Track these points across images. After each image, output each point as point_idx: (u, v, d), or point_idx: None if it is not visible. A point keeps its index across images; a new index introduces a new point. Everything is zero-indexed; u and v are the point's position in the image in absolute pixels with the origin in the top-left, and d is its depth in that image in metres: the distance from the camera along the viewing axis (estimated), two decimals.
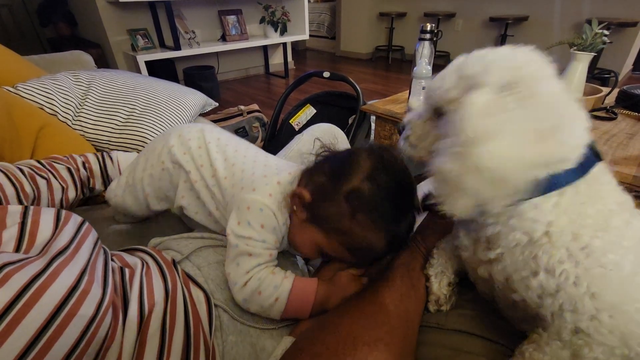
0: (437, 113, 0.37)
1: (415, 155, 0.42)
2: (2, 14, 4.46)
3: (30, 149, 0.72)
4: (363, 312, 0.39)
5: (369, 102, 1.39)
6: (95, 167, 0.63)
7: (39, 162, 0.56)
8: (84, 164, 0.62)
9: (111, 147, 0.95)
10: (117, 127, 0.95)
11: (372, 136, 1.64)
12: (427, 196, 0.49)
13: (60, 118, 0.90)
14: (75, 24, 3.46)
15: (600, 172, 0.32)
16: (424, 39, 1.19)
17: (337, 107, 1.60)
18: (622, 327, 0.29)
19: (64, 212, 0.40)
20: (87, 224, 0.42)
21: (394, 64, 4.41)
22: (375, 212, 0.44)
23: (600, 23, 1.13)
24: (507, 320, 0.40)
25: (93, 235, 0.41)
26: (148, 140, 0.95)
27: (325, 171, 0.49)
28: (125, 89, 1.04)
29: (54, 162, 0.59)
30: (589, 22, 1.13)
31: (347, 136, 1.11)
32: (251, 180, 0.52)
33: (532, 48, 0.33)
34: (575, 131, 0.30)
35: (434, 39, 1.21)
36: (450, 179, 0.29)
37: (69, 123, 0.91)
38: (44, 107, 0.88)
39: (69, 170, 0.59)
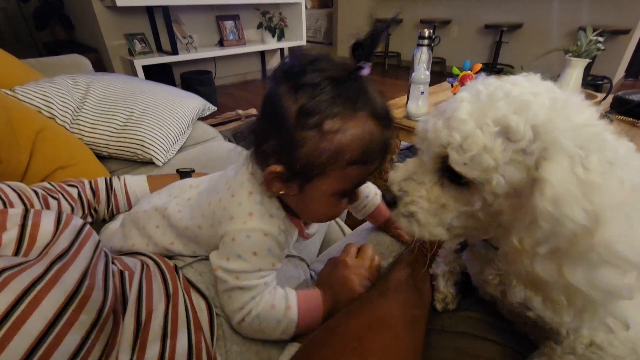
0: (453, 174, 0.28)
1: (428, 236, 0.32)
2: None
3: (28, 153, 0.71)
4: (369, 316, 0.39)
5: None
6: (102, 192, 0.62)
7: (50, 184, 0.56)
8: (91, 187, 0.61)
9: (109, 150, 0.94)
10: (115, 131, 0.95)
11: None
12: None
13: (58, 121, 0.89)
14: (72, 27, 3.45)
15: None
16: (422, 45, 1.21)
17: None
18: (634, 337, 0.29)
19: (64, 215, 0.40)
20: (87, 227, 0.41)
21: (390, 70, 4.45)
22: (334, 107, 0.36)
23: (594, 30, 1.15)
24: (510, 322, 0.40)
25: (94, 239, 0.40)
26: (146, 143, 0.94)
27: (263, 132, 0.41)
28: (123, 93, 1.03)
29: (65, 184, 0.59)
30: (584, 29, 1.15)
31: None
32: (223, 208, 0.45)
33: (550, 83, 0.27)
34: None
35: (432, 44, 1.23)
36: (566, 284, 0.23)
37: (67, 126, 0.91)
38: (42, 111, 0.87)
39: (78, 192, 0.59)
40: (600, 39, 1.13)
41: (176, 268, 0.47)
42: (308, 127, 0.36)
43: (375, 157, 0.40)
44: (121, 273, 0.41)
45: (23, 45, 4.10)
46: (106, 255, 0.42)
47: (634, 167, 0.23)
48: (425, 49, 1.21)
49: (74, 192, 0.57)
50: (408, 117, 1.26)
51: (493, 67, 3.62)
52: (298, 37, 3.67)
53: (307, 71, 0.37)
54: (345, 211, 0.63)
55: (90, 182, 0.61)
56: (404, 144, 1.66)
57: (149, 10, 2.73)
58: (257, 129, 0.42)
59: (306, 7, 3.70)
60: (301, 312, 0.44)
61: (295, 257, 0.59)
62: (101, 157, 0.95)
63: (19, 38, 4.57)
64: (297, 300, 0.45)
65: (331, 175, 0.39)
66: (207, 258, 0.51)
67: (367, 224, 0.67)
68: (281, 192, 0.42)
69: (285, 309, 0.44)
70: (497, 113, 0.25)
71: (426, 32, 1.21)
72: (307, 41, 4.80)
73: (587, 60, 1.15)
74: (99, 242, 0.42)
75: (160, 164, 0.95)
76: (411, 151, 1.68)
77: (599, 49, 1.15)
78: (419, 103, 1.20)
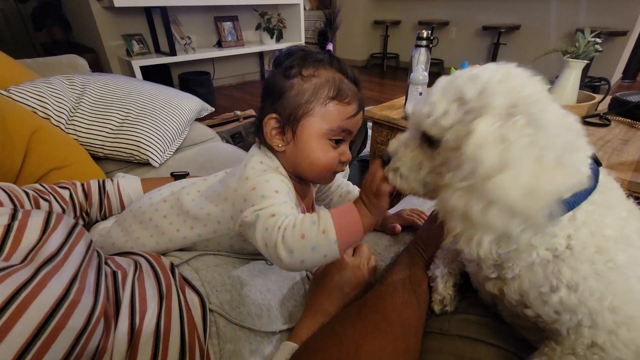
0: (429, 140, 0.35)
1: (407, 188, 0.39)
2: None
3: (22, 153, 0.70)
4: (365, 320, 0.38)
5: (366, 108, 1.39)
6: (95, 194, 0.62)
7: (42, 185, 0.55)
8: (83, 189, 0.61)
9: (105, 151, 0.93)
10: (112, 131, 0.94)
11: (369, 142, 1.65)
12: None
13: (53, 122, 0.88)
14: (70, 28, 3.44)
15: (607, 180, 0.32)
16: (420, 46, 1.20)
17: None
18: (638, 340, 0.29)
19: (55, 215, 0.39)
20: (79, 227, 0.40)
21: (388, 71, 4.46)
22: (310, 62, 0.48)
23: (592, 32, 1.15)
24: (510, 325, 0.40)
25: (85, 239, 0.39)
26: (142, 144, 0.93)
27: (262, 105, 0.51)
28: (120, 93, 1.03)
29: (58, 185, 0.58)
30: (581, 31, 1.15)
31: None
32: (238, 177, 0.49)
33: (517, 65, 0.33)
34: (584, 152, 0.30)
35: (430, 46, 1.23)
36: (466, 215, 0.28)
37: (62, 127, 0.90)
38: (37, 111, 0.86)
39: (70, 194, 0.58)
40: (598, 40, 1.13)
41: (172, 266, 0.46)
42: (291, 76, 0.48)
43: (349, 97, 0.48)
44: (114, 274, 0.40)
45: (20, 45, 4.08)
46: (99, 255, 0.41)
47: (554, 130, 0.28)
48: (423, 50, 1.20)
49: (65, 194, 0.57)
50: (406, 118, 1.25)
51: None
52: (297, 38, 3.67)
53: (289, 53, 0.49)
54: None
55: (82, 185, 0.61)
56: None
57: (147, 11, 2.73)
58: (259, 110, 0.51)
59: (305, 9, 3.70)
60: (334, 212, 0.42)
61: None
62: (97, 158, 0.94)
63: (16, 38, 4.55)
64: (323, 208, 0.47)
65: (315, 112, 0.47)
66: (203, 254, 0.51)
67: None
68: (281, 146, 0.49)
69: (316, 212, 0.43)
70: (456, 85, 0.32)
71: (424, 34, 1.21)
72: (306, 42, 4.80)
73: (585, 62, 1.15)
74: (91, 242, 0.41)
75: (157, 164, 0.95)
76: None
77: (596, 51, 1.15)
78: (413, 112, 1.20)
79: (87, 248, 0.39)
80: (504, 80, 0.30)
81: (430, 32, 1.24)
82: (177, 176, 0.70)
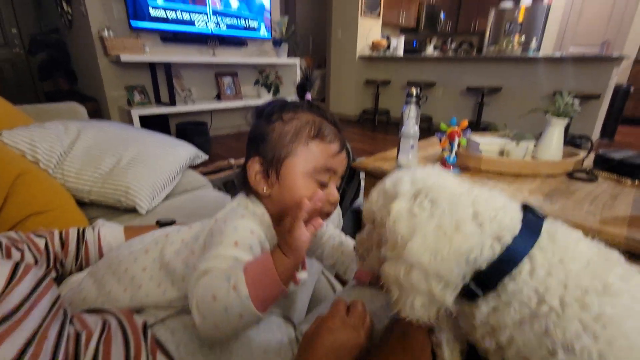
0: (374, 225, 0.42)
1: (367, 266, 0.46)
2: (4, 69, 4.63)
3: (3, 197, 0.67)
4: None
5: (358, 160, 1.42)
6: (72, 243, 0.57)
7: (17, 233, 0.52)
8: (61, 237, 0.57)
9: (91, 197, 0.91)
10: (101, 176, 0.92)
11: (362, 193, 1.65)
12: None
13: (41, 166, 0.86)
14: (75, 80, 3.59)
15: (555, 227, 0.35)
16: (410, 102, 1.26)
17: None
18: None
19: (23, 265, 0.36)
20: (48, 280, 0.36)
21: (380, 126, 4.65)
22: (289, 108, 0.51)
23: (569, 94, 1.22)
24: None
25: (52, 294, 0.35)
26: (131, 190, 0.91)
27: (247, 152, 0.52)
28: (115, 139, 1.03)
29: (35, 234, 0.54)
30: (559, 93, 1.23)
31: None
32: (218, 220, 0.48)
33: (431, 166, 0.42)
34: (488, 213, 0.34)
35: (419, 102, 1.29)
36: (396, 281, 0.33)
37: (50, 171, 0.88)
38: (26, 154, 0.85)
39: (46, 243, 0.54)
40: (577, 99, 1.21)
41: (145, 326, 0.41)
42: (272, 121, 0.50)
43: (331, 136, 0.50)
44: (77, 336, 0.36)
45: (24, 92, 4.21)
46: (65, 314, 0.37)
47: (449, 205, 0.34)
48: (413, 105, 1.26)
49: (41, 243, 0.53)
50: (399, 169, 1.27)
51: (477, 125, 3.82)
52: (292, 93, 3.87)
53: (269, 103, 0.52)
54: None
55: (60, 233, 0.57)
56: None
57: (152, 66, 2.87)
58: (245, 159, 0.52)
59: (301, 68, 3.96)
60: (248, 265, 0.38)
61: (280, 317, 0.53)
62: (82, 204, 0.91)
63: (22, 87, 4.72)
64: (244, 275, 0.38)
65: (298, 152, 0.48)
66: (182, 312, 0.46)
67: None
68: (266, 190, 0.49)
69: (230, 268, 0.39)
70: (383, 183, 0.41)
71: (414, 91, 1.28)
72: None
73: (567, 120, 1.21)
74: (58, 297, 0.37)
75: (144, 211, 0.91)
76: None
77: (575, 110, 1.22)
78: (409, 156, 1.22)
79: (52, 303, 0.35)
80: (411, 175, 0.39)
81: (419, 89, 1.31)
82: (163, 224, 0.66)
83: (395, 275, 0.33)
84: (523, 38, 4.59)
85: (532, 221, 0.34)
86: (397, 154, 1.28)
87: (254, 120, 0.53)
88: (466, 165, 1.23)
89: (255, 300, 0.36)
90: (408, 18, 5.62)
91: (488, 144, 1.27)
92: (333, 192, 0.51)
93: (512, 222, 0.33)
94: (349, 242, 0.63)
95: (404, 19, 5.54)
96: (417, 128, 1.20)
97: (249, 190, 0.51)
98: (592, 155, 1.30)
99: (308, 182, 0.48)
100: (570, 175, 1.14)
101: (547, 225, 0.34)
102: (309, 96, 0.52)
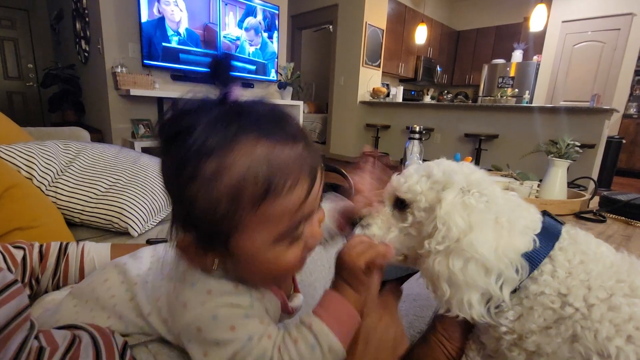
0: (400, 206, 0.40)
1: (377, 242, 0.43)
2: (15, 100, 4.77)
3: None
4: None
5: None
6: (52, 257, 0.52)
7: None
8: (40, 250, 0.52)
9: (83, 216, 0.86)
10: (95, 197, 0.89)
11: None
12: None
13: (35, 182, 0.83)
14: (83, 112, 3.68)
15: (576, 230, 0.35)
16: (414, 138, 1.28)
17: None
18: None
19: None
20: (17, 286, 0.32)
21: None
22: (207, 145, 0.29)
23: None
24: None
25: (18, 301, 0.31)
26: (125, 212, 0.87)
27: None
28: (114, 160, 1.01)
29: (13, 245, 0.50)
30: (561, 139, 1.25)
31: None
32: (176, 296, 0.36)
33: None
34: (526, 215, 0.35)
35: (422, 138, 1.30)
36: (450, 277, 0.32)
37: (43, 188, 0.85)
38: (21, 170, 0.82)
39: (24, 255, 0.50)
40: (577, 143, 1.22)
41: (125, 346, 0.36)
42: (188, 180, 0.30)
43: (292, 177, 0.31)
44: (40, 350, 0.30)
45: (32, 123, 4.31)
46: (31, 327, 0.32)
47: (501, 200, 0.35)
48: (416, 142, 1.27)
49: (19, 254, 0.48)
50: None
51: None
52: None
53: (174, 122, 0.31)
54: None
55: (41, 246, 0.52)
56: None
57: (159, 101, 2.96)
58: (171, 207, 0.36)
59: (303, 112, 4.10)
60: (330, 320, 0.35)
61: None
62: (72, 224, 0.86)
63: (30, 118, 4.82)
64: (313, 314, 0.36)
65: (247, 225, 0.31)
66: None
67: None
68: (216, 267, 0.34)
69: (309, 326, 0.35)
70: (425, 166, 0.40)
71: (417, 128, 1.30)
72: None
73: (569, 162, 1.22)
74: (26, 307, 0.32)
75: (136, 234, 0.87)
76: None
77: (577, 152, 1.22)
78: None
79: (17, 313, 0.31)
80: (459, 167, 0.39)
81: (421, 127, 1.34)
82: (153, 242, 0.61)
83: (448, 271, 0.31)
84: (516, 91, 4.83)
85: (551, 223, 0.35)
86: None
87: (161, 152, 0.33)
88: None
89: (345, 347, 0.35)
90: (406, 69, 5.96)
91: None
92: (314, 232, 0.36)
93: (533, 223, 0.34)
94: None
95: (403, 69, 5.87)
96: (421, 162, 1.19)
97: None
98: (596, 198, 1.29)
99: (276, 252, 0.33)
100: (578, 215, 1.12)
101: (567, 228, 0.35)
102: (234, 92, 0.32)
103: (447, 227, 0.33)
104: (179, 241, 0.34)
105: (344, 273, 0.37)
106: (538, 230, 0.34)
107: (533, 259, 0.32)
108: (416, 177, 0.39)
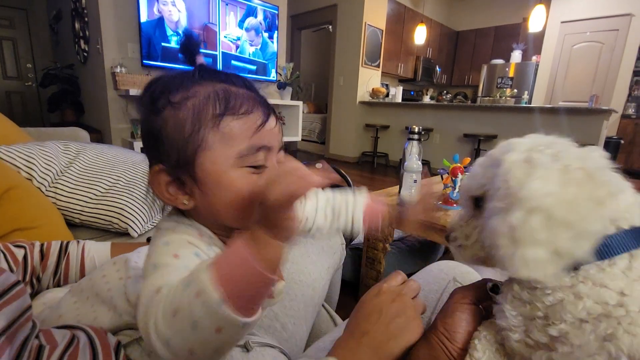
0: (477, 204, 0.37)
1: (468, 255, 0.39)
2: (14, 100, 4.76)
3: None
4: None
5: None
6: (53, 255, 0.53)
7: None
8: (41, 249, 0.52)
9: (82, 217, 0.87)
10: (95, 198, 0.89)
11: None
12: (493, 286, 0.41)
13: (35, 183, 0.84)
14: (82, 112, 3.67)
15: None
16: (412, 139, 1.28)
17: None
18: None
19: None
20: (20, 287, 0.32)
21: (378, 168, 4.70)
22: (175, 83, 0.36)
23: None
24: None
25: (22, 302, 0.31)
26: (125, 212, 0.87)
27: (143, 144, 0.39)
28: (114, 161, 1.01)
29: (14, 244, 0.50)
30: None
31: None
32: (147, 260, 0.35)
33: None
34: (625, 193, 0.29)
35: (421, 139, 1.30)
36: (511, 232, 0.28)
37: (43, 189, 0.85)
38: (21, 170, 0.82)
39: (25, 254, 0.50)
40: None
41: (118, 346, 0.36)
42: (159, 109, 0.35)
43: (246, 105, 0.36)
44: (39, 349, 0.31)
45: (31, 123, 4.30)
46: (33, 326, 0.32)
47: (579, 154, 0.30)
48: (415, 142, 1.27)
49: (19, 253, 0.48)
50: (401, 204, 1.25)
51: None
52: (294, 134, 3.96)
53: (149, 84, 0.38)
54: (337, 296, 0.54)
55: (42, 245, 0.52)
56: (397, 233, 1.61)
57: None
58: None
59: (303, 112, 4.11)
60: (214, 264, 0.27)
61: (275, 348, 0.48)
62: (72, 225, 0.86)
63: (29, 118, 4.81)
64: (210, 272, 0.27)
65: (210, 141, 0.35)
66: None
67: None
68: (187, 203, 0.36)
69: (189, 269, 0.29)
70: (489, 154, 0.36)
71: (416, 128, 1.30)
72: (302, 139, 5.17)
73: None
74: (28, 308, 0.32)
75: (136, 235, 0.87)
76: (404, 242, 1.62)
77: None
78: (412, 191, 1.21)
79: (20, 313, 0.31)
80: (523, 138, 0.35)
81: (420, 127, 1.34)
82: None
83: (507, 224, 0.28)
84: (515, 91, 4.84)
85: None
86: (400, 189, 1.27)
87: (140, 113, 0.38)
88: None
89: (233, 303, 0.26)
90: (406, 70, 5.96)
91: None
92: (280, 160, 0.39)
93: (630, 214, 0.28)
94: (333, 195, 0.53)
95: (402, 70, 5.87)
96: (420, 163, 1.19)
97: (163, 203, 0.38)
98: None
99: (238, 174, 0.35)
100: None
101: None
102: (201, 59, 0.39)
103: (507, 183, 0.30)
104: (151, 178, 0.37)
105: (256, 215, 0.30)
106: (635, 223, 0.28)
107: (610, 247, 0.27)
108: (478, 169, 0.36)
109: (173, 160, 0.35)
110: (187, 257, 0.33)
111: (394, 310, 0.41)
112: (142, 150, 0.40)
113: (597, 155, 0.30)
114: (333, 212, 0.52)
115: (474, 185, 0.36)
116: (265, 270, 0.27)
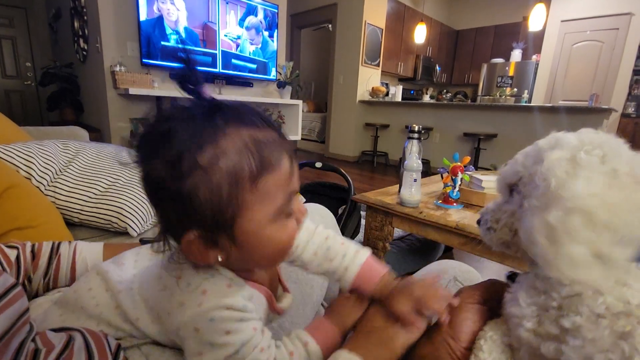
0: (510, 190, 0.37)
1: (495, 238, 0.39)
2: (13, 99, 4.75)
3: None
4: None
5: (360, 194, 1.39)
6: (44, 256, 0.52)
7: None
8: (32, 249, 0.51)
9: (82, 216, 0.86)
10: (94, 196, 0.88)
11: (363, 227, 1.60)
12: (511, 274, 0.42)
13: (34, 182, 0.83)
14: (82, 111, 3.67)
15: None
16: (412, 138, 1.27)
17: (326, 197, 1.60)
18: None
19: None
20: (17, 290, 0.32)
21: (378, 167, 4.70)
22: (196, 139, 0.31)
23: None
24: None
25: (19, 305, 0.31)
26: (124, 211, 0.87)
27: (161, 214, 0.35)
28: (113, 160, 1.01)
29: (6, 245, 0.49)
30: None
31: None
32: (170, 295, 0.37)
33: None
34: None
35: (421, 138, 1.30)
36: (549, 231, 0.28)
37: (42, 188, 0.85)
38: (20, 169, 0.82)
39: (17, 255, 0.49)
40: None
41: (118, 348, 0.36)
42: (186, 174, 0.31)
43: (276, 153, 0.34)
44: (35, 352, 0.31)
45: (30, 122, 4.29)
46: (30, 329, 0.32)
47: (631, 157, 0.29)
48: (415, 141, 1.27)
49: (12, 254, 0.48)
50: (401, 203, 1.24)
51: (475, 169, 3.87)
52: (294, 133, 3.96)
53: (159, 133, 0.32)
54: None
55: (33, 245, 0.51)
56: (397, 232, 1.61)
57: (158, 100, 2.96)
58: (158, 217, 0.35)
59: (303, 111, 4.10)
60: (315, 336, 0.40)
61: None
62: (71, 224, 0.86)
63: (28, 117, 4.80)
64: (299, 332, 0.41)
65: (249, 203, 0.33)
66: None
67: None
68: (220, 259, 0.35)
69: (294, 340, 0.40)
70: (539, 144, 0.35)
71: (415, 127, 1.29)
72: (302, 138, 5.17)
73: None
74: (25, 310, 0.32)
75: (135, 234, 0.87)
76: (404, 241, 1.62)
77: None
78: (412, 190, 1.21)
79: (18, 316, 0.31)
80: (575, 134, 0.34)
81: (420, 126, 1.33)
82: (146, 242, 0.61)
83: (546, 222, 0.28)
84: (515, 90, 4.83)
85: None
86: (400, 188, 1.27)
87: (148, 169, 0.33)
88: (469, 201, 1.21)
89: None
90: (406, 69, 5.95)
91: (490, 181, 1.26)
92: (300, 208, 0.39)
93: None
94: (335, 236, 0.50)
95: (402, 69, 5.86)
96: (420, 162, 1.19)
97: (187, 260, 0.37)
98: None
99: (277, 227, 0.35)
100: None
101: None
102: (206, 90, 0.34)
103: (547, 182, 0.29)
104: (185, 248, 0.34)
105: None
106: None
107: None
108: (520, 157, 0.36)
109: (207, 225, 0.33)
110: (237, 332, 0.35)
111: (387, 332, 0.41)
112: (156, 211, 0.35)
113: None
114: (327, 253, 0.47)
115: (511, 172, 0.36)
116: None
